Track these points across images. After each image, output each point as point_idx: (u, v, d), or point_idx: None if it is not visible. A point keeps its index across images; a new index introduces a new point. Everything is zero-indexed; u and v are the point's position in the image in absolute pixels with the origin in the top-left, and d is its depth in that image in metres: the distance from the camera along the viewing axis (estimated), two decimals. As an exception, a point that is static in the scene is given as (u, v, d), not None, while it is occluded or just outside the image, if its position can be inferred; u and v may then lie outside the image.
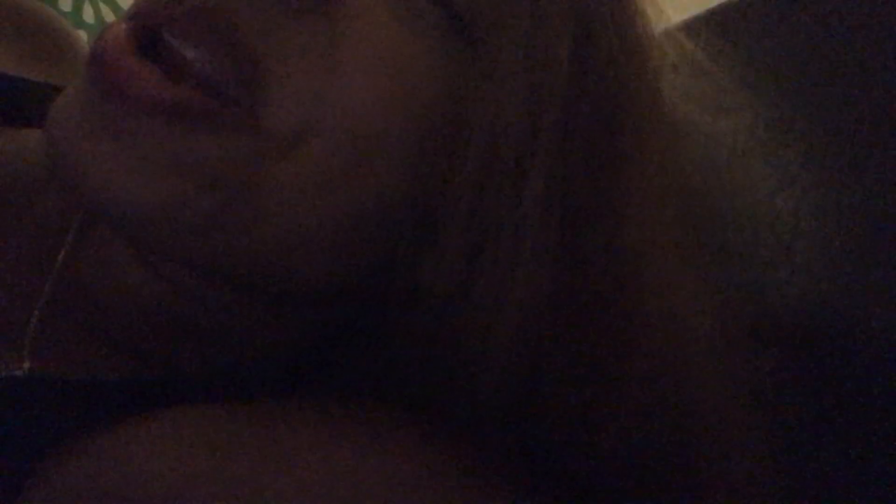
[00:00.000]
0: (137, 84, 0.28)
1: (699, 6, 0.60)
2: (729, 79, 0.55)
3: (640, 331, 0.29)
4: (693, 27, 0.59)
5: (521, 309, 0.27)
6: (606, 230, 0.29)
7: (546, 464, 0.29)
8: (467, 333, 0.29)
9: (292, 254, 0.31)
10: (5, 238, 0.37)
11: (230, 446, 0.32)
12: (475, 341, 0.28)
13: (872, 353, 0.40)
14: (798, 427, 0.40)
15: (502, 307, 0.28)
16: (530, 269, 0.28)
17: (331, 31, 0.29)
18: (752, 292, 0.47)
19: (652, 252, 0.29)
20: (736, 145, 0.53)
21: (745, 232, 0.48)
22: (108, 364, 0.35)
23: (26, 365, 0.34)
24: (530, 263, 0.28)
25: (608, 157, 0.30)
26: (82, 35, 1.25)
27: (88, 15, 1.31)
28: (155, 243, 0.31)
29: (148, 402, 0.33)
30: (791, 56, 0.51)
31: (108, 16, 1.41)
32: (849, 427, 0.41)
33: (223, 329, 0.35)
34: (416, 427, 0.31)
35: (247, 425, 0.33)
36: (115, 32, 0.29)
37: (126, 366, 0.35)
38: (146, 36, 0.29)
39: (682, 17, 0.60)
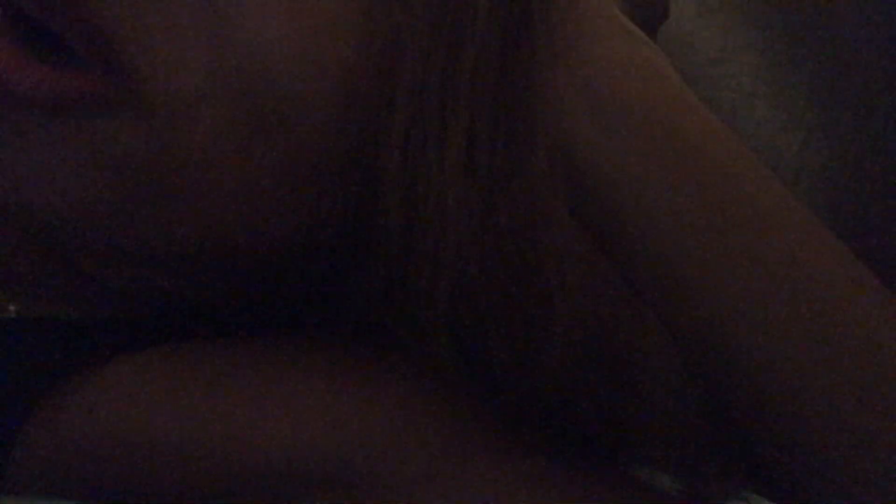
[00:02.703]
0: (19, 80, 0.27)
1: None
2: (735, 18, 0.54)
3: (554, 265, 0.30)
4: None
5: (457, 251, 0.29)
6: (520, 177, 0.29)
7: (494, 391, 0.32)
8: (415, 278, 0.30)
9: (218, 224, 0.30)
10: None
11: (220, 381, 0.32)
12: (422, 283, 0.30)
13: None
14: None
15: (440, 253, 0.29)
16: (459, 217, 0.29)
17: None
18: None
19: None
20: (740, 86, 0.52)
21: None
22: (97, 303, 0.35)
23: (12, 308, 0.34)
24: (458, 212, 0.29)
25: (524, 102, 0.29)
26: None
27: None
28: (83, 239, 0.31)
29: (141, 339, 0.33)
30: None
31: None
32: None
33: (190, 288, 0.35)
34: (389, 364, 0.32)
35: (236, 362, 0.33)
36: None
37: (116, 304, 0.35)
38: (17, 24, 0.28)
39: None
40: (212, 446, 0.31)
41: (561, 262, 0.30)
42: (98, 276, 0.35)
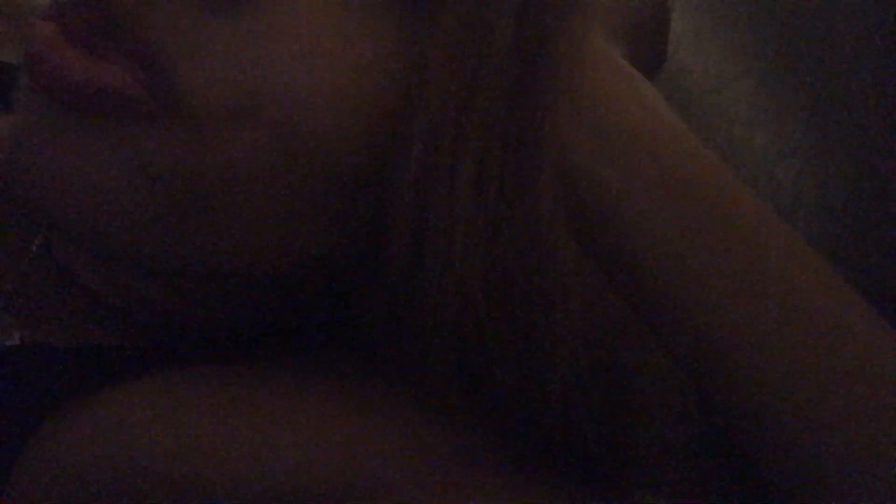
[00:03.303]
0: (66, 70, 0.28)
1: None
2: (731, 48, 0.55)
3: (559, 293, 0.31)
4: (695, -4, 0.59)
5: (462, 277, 0.30)
6: (526, 208, 0.30)
7: (498, 416, 0.33)
8: (421, 303, 0.31)
9: (244, 242, 0.31)
10: None
11: (225, 407, 0.32)
12: (428, 309, 0.31)
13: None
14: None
15: (446, 279, 0.30)
16: (466, 244, 0.30)
17: (249, 22, 0.28)
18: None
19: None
20: (737, 115, 0.52)
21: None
22: (100, 330, 0.35)
23: (17, 335, 0.34)
24: (466, 239, 0.30)
25: (532, 137, 0.30)
26: None
27: None
28: (108, 245, 0.31)
29: (143, 366, 0.33)
30: (794, 25, 0.51)
31: None
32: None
33: (200, 308, 0.36)
34: (394, 389, 0.33)
35: (241, 386, 0.33)
36: (39, 30, 0.28)
37: (118, 331, 0.36)
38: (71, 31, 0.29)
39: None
40: (214, 472, 0.31)
41: (565, 288, 0.31)
42: (107, 299, 0.35)
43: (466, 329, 0.31)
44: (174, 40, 0.28)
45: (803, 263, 0.31)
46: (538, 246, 0.30)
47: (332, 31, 0.29)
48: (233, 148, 0.29)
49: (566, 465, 0.34)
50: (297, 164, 0.29)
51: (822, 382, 0.29)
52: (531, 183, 0.30)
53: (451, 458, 0.32)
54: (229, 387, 0.33)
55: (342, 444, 0.31)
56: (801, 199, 0.46)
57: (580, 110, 0.31)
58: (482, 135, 0.29)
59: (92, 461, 0.31)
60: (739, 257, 0.30)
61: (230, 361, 0.34)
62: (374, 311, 0.32)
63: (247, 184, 0.29)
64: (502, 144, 0.30)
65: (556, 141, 0.30)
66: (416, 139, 0.29)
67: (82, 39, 0.28)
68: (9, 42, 0.48)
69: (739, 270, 0.30)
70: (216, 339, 0.35)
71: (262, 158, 0.29)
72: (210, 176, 0.29)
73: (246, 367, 0.34)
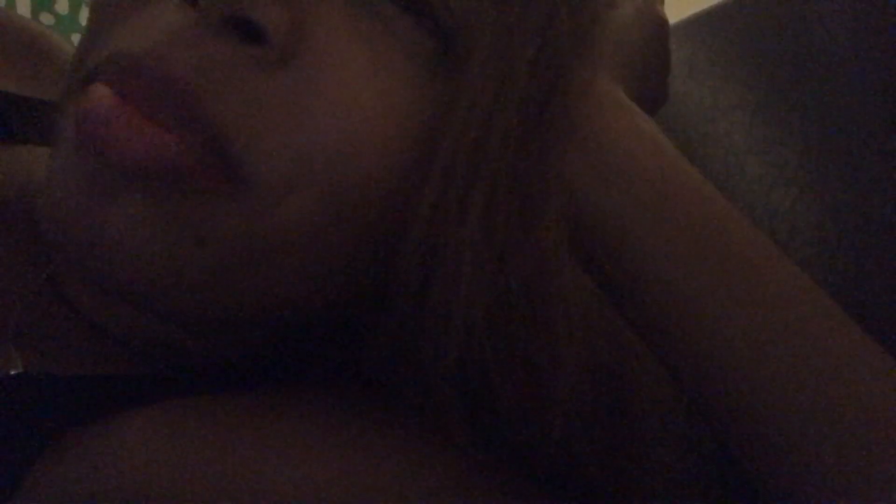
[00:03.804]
0: (128, 139, 0.28)
1: (696, 6, 0.60)
2: (725, 78, 0.55)
3: (562, 322, 0.32)
4: (690, 27, 0.59)
5: (468, 310, 0.31)
6: (532, 241, 0.32)
7: (500, 442, 0.34)
8: (426, 332, 0.32)
9: (283, 300, 0.33)
10: None
11: (226, 438, 0.32)
12: (432, 337, 0.32)
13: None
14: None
15: (452, 310, 0.31)
16: (473, 272, 0.31)
17: (299, 81, 0.29)
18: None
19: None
20: (732, 144, 0.53)
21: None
22: (102, 360, 0.35)
23: (19, 363, 0.34)
24: (473, 267, 0.31)
25: (540, 175, 0.32)
26: (76, 39, 1.25)
27: (85, 19, 1.32)
28: (153, 303, 0.32)
29: (143, 397, 0.33)
30: (787, 55, 0.52)
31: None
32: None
33: (211, 345, 0.36)
34: (396, 420, 0.34)
35: (241, 417, 0.33)
36: (99, 94, 0.28)
37: (121, 362, 0.36)
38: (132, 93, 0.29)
39: (679, 17, 0.60)
40: (217, 500, 0.31)
41: (569, 318, 0.32)
42: (112, 331, 0.35)
43: (470, 358, 0.31)
44: (233, 106, 0.28)
45: (798, 288, 0.32)
46: (543, 276, 0.32)
47: (372, 78, 0.30)
48: (285, 213, 0.29)
49: (568, 492, 0.34)
50: (344, 220, 0.30)
51: (819, 401, 0.29)
52: (538, 217, 0.31)
53: (453, 489, 0.32)
54: (230, 417, 0.33)
55: (344, 475, 0.31)
56: (797, 227, 0.46)
57: (585, 144, 0.32)
58: (493, 172, 0.31)
59: (94, 490, 0.31)
60: (737, 282, 0.32)
61: (233, 391, 0.34)
62: (379, 343, 0.33)
63: (295, 244, 0.30)
64: (511, 181, 0.31)
65: (562, 177, 0.32)
66: (432, 177, 0.30)
67: (140, 106, 0.28)
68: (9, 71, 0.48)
69: (737, 294, 0.31)
70: (221, 370, 0.36)
71: (312, 220, 0.30)
72: (260, 239, 0.30)
73: (247, 398, 0.34)
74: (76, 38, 1.25)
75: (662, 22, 0.40)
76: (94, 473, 0.31)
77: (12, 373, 0.34)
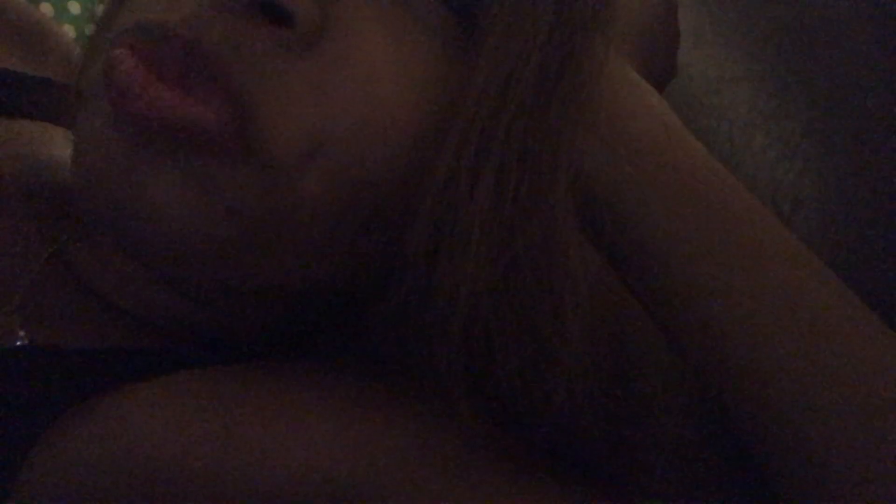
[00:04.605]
0: (159, 103, 0.29)
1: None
2: (731, 47, 0.55)
3: (569, 294, 0.33)
4: (695, -2, 0.59)
5: (474, 285, 0.32)
6: (541, 215, 0.32)
7: (505, 416, 0.35)
8: (433, 304, 0.32)
9: (298, 271, 0.34)
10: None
11: (232, 410, 0.32)
12: (439, 310, 0.32)
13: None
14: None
15: (459, 282, 0.32)
16: (481, 244, 0.32)
17: (322, 66, 0.30)
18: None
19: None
20: (737, 117, 0.53)
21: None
22: (109, 334, 0.36)
23: (23, 335, 0.34)
24: (481, 239, 0.32)
25: (550, 150, 0.32)
26: (69, 30, 1.25)
27: (75, 8, 1.30)
28: (182, 268, 0.33)
29: (150, 370, 0.34)
30: (793, 27, 0.51)
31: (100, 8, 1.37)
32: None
33: (221, 316, 0.37)
34: (402, 392, 0.35)
35: (248, 389, 0.33)
36: (121, 59, 0.29)
37: (129, 334, 0.36)
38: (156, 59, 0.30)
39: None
40: (222, 471, 0.31)
41: (575, 290, 0.32)
42: (120, 304, 0.36)
43: (476, 328, 0.32)
44: (258, 81, 0.29)
45: (801, 263, 0.33)
46: (550, 248, 0.32)
47: (393, 63, 0.31)
48: (305, 188, 0.31)
49: (571, 463, 0.34)
50: (360, 196, 0.32)
51: (826, 377, 0.30)
52: (547, 190, 0.32)
53: (458, 458, 0.33)
54: (236, 389, 0.33)
55: (350, 444, 0.32)
56: (801, 201, 0.46)
57: (595, 120, 0.33)
58: (504, 146, 0.31)
59: (102, 461, 0.31)
60: (741, 256, 0.32)
61: (241, 362, 0.34)
62: (385, 314, 0.33)
63: (314, 218, 0.31)
64: (522, 155, 0.32)
65: (572, 153, 0.32)
66: (446, 150, 0.31)
67: (170, 74, 0.29)
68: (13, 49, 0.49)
69: (741, 267, 0.32)
70: (229, 341, 0.36)
71: (331, 196, 0.31)
72: (281, 212, 0.31)
73: (253, 371, 0.34)
74: (67, 29, 1.25)
75: None
76: (101, 445, 0.31)
77: (18, 344, 0.34)
